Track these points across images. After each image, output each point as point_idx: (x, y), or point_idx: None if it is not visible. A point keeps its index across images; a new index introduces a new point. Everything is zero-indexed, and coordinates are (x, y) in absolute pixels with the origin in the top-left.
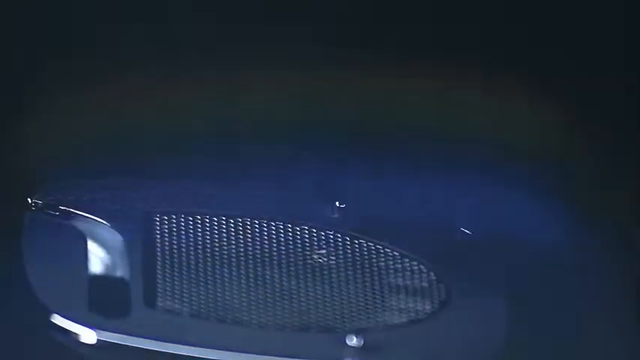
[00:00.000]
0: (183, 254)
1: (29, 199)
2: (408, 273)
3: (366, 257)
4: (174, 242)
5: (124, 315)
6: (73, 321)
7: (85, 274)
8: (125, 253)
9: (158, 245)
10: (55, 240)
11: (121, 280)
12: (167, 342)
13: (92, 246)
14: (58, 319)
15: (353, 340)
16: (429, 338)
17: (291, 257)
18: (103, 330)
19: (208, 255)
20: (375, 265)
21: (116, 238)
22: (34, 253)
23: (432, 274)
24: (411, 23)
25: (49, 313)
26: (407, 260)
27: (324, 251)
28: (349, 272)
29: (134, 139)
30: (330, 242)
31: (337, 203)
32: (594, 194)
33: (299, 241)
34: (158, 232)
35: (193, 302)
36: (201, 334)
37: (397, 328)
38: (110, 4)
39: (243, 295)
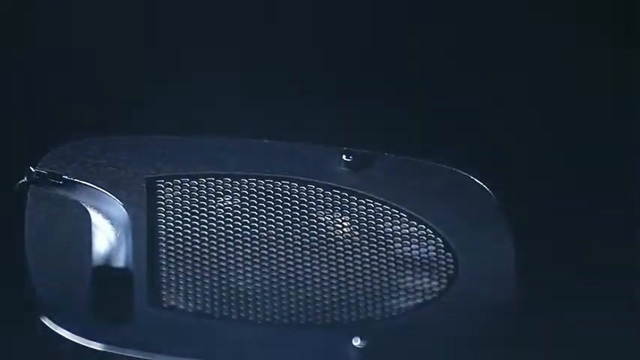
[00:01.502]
0: (188, 221)
1: (31, 168)
2: (415, 238)
3: (373, 220)
4: (179, 208)
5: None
6: (72, 319)
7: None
8: (129, 230)
9: (162, 213)
10: (57, 223)
11: (125, 269)
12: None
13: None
14: (50, 322)
15: (358, 341)
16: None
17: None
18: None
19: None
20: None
21: (120, 215)
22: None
23: (439, 239)
24: None
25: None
26: (414, 223)
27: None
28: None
29: (135, 94)
30: (336, 203)
31: (344, 156)
32: None
33: (305, 203)
34: (162, 198)
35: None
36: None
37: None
38: None
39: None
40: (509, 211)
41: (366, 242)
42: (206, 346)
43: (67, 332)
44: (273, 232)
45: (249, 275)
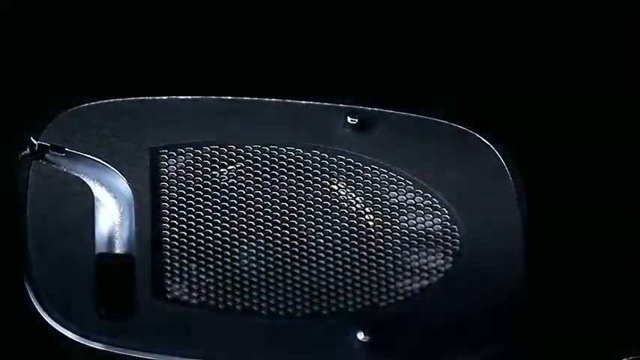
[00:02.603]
0: (192, 197)
1: (33, 140)
2: (421, 210)
3: (378, 188)
4: (182, 182)
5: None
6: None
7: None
8: (132, 210)
9: (166, 189)
10: (59, 206)
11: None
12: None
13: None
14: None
15: (362, 336)
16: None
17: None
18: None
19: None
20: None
21: (123, 192)
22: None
23: (444, 209)
24: None
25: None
26: (419, 192)
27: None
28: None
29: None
30: (341, 171)
31: (349, 117)
32: None
33: (310, 172)
34: (166, 170)
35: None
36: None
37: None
38: None
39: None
40: (514, 170)
41: (371, 213)
42: (210, 341)
43: (67, 331)
44: (278, 204)
45: (254, 253)
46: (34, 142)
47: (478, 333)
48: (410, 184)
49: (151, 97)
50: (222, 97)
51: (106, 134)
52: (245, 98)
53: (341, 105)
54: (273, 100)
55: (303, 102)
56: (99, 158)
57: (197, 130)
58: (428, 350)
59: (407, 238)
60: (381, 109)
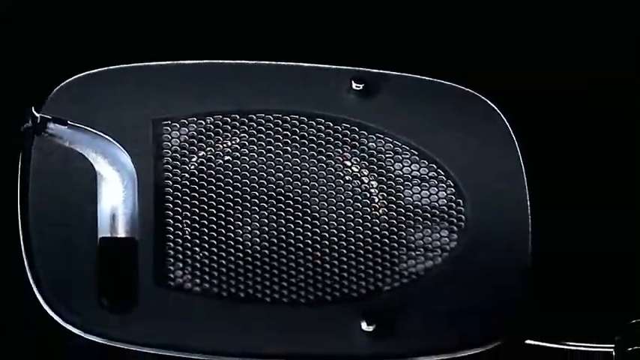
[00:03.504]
0: (195, 172)
1: (35, 113)
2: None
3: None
4: (186, 157)
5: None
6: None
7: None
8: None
9: (169, 164)
10: (62, 186)
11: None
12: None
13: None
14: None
15: (366, 325)
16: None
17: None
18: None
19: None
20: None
21: (126, 169)
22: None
23: (449, 182)
24: None
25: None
26: (424, 162)
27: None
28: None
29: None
30: (346, 140)
31: (353, 83)
32: None
33: (314, 142)
34: (169, 144)
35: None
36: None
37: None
38: None
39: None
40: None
41: (377, 187)
42: (212, 330)
43: (68, 324)
44: (282, 179)
45: (257, 234)
46: (36, 114)
47: (484, 315)
48: (415, 154)
49: (152, 63)
50: (226, 61)
51: (108, 103)
52: (249, 62)
53: (346, 67)
54: (277, 63)
55: (307, 65)
56: (101, 131)
57: (200, 97)
58: (434, 334)
59: (411, 214)
60: (387, 72)
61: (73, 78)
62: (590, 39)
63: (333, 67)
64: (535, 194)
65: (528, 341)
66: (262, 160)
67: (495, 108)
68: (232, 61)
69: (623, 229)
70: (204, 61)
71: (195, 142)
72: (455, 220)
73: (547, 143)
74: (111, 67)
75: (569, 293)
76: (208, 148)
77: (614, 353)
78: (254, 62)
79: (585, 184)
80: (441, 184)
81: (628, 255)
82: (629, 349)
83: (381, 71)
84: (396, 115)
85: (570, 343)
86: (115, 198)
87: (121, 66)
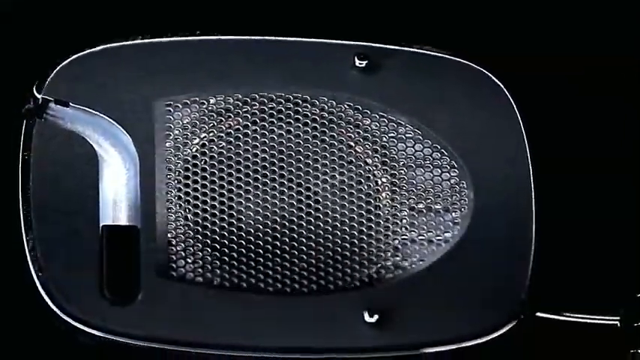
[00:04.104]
0: (198, 156)
1: (37, 94)
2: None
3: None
4: (188, 140)
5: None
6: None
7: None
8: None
9: (172, 147)
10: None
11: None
12: None
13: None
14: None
15: (368, 316)
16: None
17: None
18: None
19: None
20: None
21: (128, 153)
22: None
23: (453, 163)
24: None
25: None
26: (428, 142)
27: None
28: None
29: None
30: (349, 120)
31: (357, 59)
32: None
33: (317, 123)
34: (171, 126)
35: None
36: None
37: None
38: None
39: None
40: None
41: (381, 169)
42: (215, 321)
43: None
44: (284, 158)
45: (260, 221)
46: (37, 95)
47: (488, 303)
48: (419, 134)
49: (152, 40)
50: (229, 37)
51: (109, 84)
52: (252, 37)
53: (349, 42)
54: (279, 38)
55: (310, 40)
56: (102, 113)
57: (202, 75)
58: (438, 323)
59: (415, 198)
60: (391, 47)
61: (72, 57)
62: (593, 25)
63: (336, 42)
64: (537, 171)
65: (538, 314)
66: (264, 141)
67: (501, 85)
68: (236, 37)
69: (627, 204)
70: (207, 37)
71: (197, 123)
72: (458, 205)
73: (548, 124)
74: (111, 45)
75: (574, 267)
76: (210, 130)
77: (619, 325)
78: (256, 38)
79: (586, 160)
80: (444, 166)
81: (632, 229)
82: (635, 324)
83: (384, 46)
84: (401, 92)
85: (575, 315)
86: (118, 183)
87: (122, 43)
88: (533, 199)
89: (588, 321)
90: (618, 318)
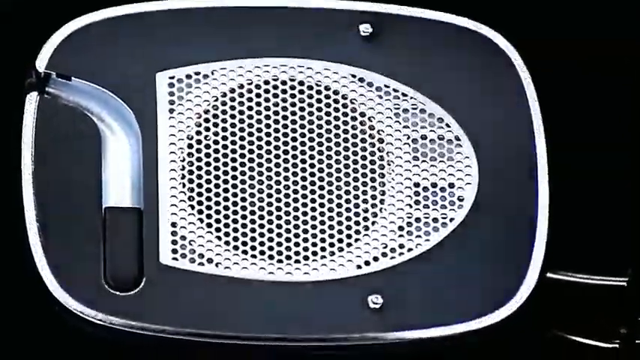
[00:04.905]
0: (202, 132)
1: (38, 69)
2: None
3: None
4: (191, 117)
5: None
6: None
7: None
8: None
9: (174, 126)
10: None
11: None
12: None
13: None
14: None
15: (372, 303)
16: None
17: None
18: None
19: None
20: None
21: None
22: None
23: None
24: None
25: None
26: (432, 113)
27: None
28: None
29: None
30: (353, 90)
31: (360, 27)
32: None
33: (322, 94)
34: (174, 100)
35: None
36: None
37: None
38: None
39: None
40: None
41: (384, 138)
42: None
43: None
44: (288, 133)
45: (263, 200)
46: (39, 70)
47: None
48: (424, 107)
49: (152, 8)
50: (233, 4)
51: (110, 55)
52: (255, 4)
53: (353, 7)
54: (281, 5)
55: (312, 6)
56: (104, 87)
57: (204, 44)
58: (443, 306)
59: (419, 176)
60: (396, 12)
61: (73, 30)
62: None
63: (339, 6)
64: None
65: (548, 274)
66: (267, 115)
67: (513, 59)
68: (239, 4)
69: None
70: (209, 4)
71: (201, 99)
72: (463, 181)
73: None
74: (112, 15)
75: (582, 234)
76: (214, 104)
77: (625, 285)
78: (260, 5)
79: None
80: (450, 140)
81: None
82: None
83: (389, 12)
84: (406, 62)
85: (584, 276)
86: (121, 162)
87: (123, 13)
88: (540, 174)
89: (597, 282)
90: (626, 279)
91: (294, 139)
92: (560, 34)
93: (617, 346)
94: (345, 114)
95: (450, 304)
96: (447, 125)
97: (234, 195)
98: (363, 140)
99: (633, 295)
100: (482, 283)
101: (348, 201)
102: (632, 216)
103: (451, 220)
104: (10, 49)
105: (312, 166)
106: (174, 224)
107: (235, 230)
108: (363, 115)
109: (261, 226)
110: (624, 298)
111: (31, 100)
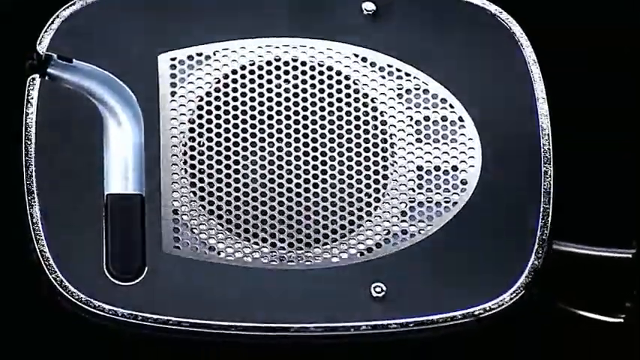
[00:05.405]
0: (203, 116)
1: (39, 51)
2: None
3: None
4: (193, 101)
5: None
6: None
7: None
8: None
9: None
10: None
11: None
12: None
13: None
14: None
15: (375, 292)
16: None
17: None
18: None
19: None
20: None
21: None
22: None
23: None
24: None
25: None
26: (436, 94)
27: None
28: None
29: None
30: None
31: (364, 6)
32: None
33: (325, 74)
34: (175, 82)
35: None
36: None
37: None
38: None
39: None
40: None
41: (388, 125)
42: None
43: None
44: (290, 115)
45: (265, 185)
46: (40, 52)
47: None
48: (427, 87)
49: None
50: None
51: (111, 36)
52: None
53: None
54: None
55: None
56: (105, 68)
57: (206, 27)
58: (446, 293)
59: (422, 158)
60: None
61: (73, 10)
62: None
63: None
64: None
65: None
66: (270, 97)
67: (517, 38)
68: None
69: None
70: None
71: (203, 81)
72: (467, 164)
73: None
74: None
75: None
76: (217, 86)
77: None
78: None
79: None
80: (454, 121)
81: None
82: None
83: None
84: (410, 42)
85: (590, 247)
86: (122, 146)
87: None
88: (543, 153)
89: (602, 254)
90: (633, 251)
91: (296, 122)
92: (568, 22)
93: (622, 320)
94: (347, 95)
95: (452, 290)
96: (451, 106)
97: (237, 180)
98: (366, 122)
99: (639, 269)
100: (485, 267)
101: (351, 185)
102: (638, 189)
103: (454, 203)
104: (11, 34)
105: (314, 149)
106: (175, 211)
107: (238, 217)
108: (365, 96)
109: (264, 212)
110: (630, 272)
111: (33, 84)
